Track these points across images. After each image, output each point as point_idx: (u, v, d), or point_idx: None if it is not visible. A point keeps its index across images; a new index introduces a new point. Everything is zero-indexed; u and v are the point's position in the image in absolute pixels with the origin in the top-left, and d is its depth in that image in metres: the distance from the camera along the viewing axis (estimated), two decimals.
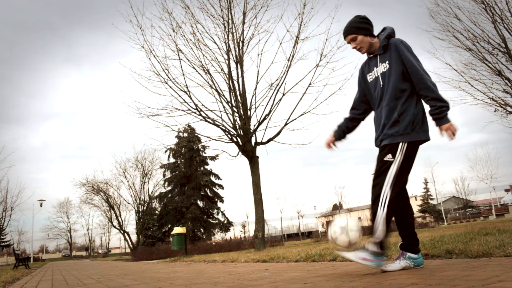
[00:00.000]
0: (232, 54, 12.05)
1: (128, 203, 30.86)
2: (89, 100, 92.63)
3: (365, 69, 2.71)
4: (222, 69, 12.08)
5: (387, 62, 2.50)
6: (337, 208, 54.70)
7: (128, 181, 30.55)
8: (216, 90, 11.85)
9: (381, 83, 2.52)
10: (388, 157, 2.40)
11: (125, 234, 31.48)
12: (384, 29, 2.66)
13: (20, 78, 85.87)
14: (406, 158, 2.39)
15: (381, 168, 2.42)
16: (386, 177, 2.39)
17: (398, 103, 2.43)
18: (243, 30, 11.96)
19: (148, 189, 31.27)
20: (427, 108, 2.45)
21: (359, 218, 53.43)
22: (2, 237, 39.85)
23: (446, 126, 2.32)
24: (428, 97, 2.38)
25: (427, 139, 2.46)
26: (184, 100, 11.49)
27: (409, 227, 2.61)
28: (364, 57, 2.74)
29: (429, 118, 2.44)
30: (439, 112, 2.33)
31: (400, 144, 2.39)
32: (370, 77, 2.64)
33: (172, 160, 32.98)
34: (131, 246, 30.83)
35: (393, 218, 2.53)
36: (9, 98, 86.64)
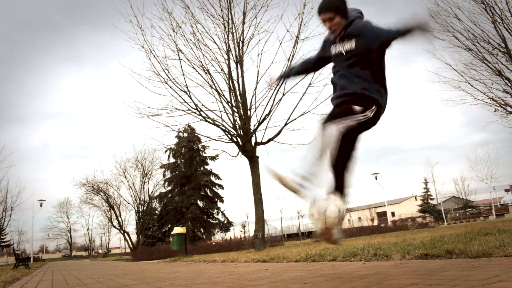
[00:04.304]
0: (232, 54, 12.06)
1: (128, 203, 30.89)
2: (89, 100, 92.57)
3: (330, 38, 2.68)
4: (222, 69, 12.09)
5: (353, 41, 2.50)
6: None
7: (128, 181, 30.58)
8: (216, 90, 11.87)
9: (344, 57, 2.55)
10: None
11: (125, 234, 31.48)
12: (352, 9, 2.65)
13: (21, 77, 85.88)
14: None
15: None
16: None
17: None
18: (243, 30, 11.98)
19: (148, 189, 31.31)
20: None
21: (359, 218, 53.53)
22: (2, 237, 39.83)
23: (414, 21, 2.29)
24: (395, 31, 2.38)
25: None
26: (184, 100, 11.52)
27: None
28: None
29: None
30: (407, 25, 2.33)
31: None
32: (333, 50, 2.63)
33: (172, 160, 32.99)
34: (131, 246, 30.83)
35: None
36: (9, 98, 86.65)
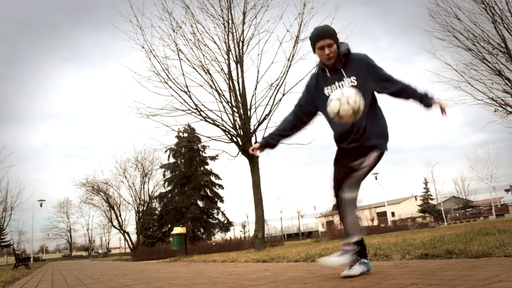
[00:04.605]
0: (232, 54, 12.06)
1: (128, 203, 30.89)
2: (89, 100, 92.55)
3: (320, 80, 2.57)
4: (222, 69, 12.09)
5: (352, 77, 2.45)
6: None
7: (128, 181, 30.58)
8: (216, 90, 11.87)
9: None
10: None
11: (125, 234, 31.48)
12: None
13: (21, 77, 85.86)
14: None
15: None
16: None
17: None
18: (243, 30, 11.97)
19: (148, 189, 31.31)
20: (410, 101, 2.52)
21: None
22: (2, 237, 39.81)
23: (439, 101, 2.40)
24: (413, 91, 2.44)
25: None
26: (184, 100, 11.51)
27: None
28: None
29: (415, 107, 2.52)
30: (429, 95, 2.42)
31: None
32: (328, 91, 2.51)
33: (172, 160, 32.98)
34: (131, 246, 30.83)
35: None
36: (9, 98, 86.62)
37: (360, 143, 2.46)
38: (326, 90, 2.52)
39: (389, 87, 2.47)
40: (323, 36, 2.43)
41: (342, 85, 2.46)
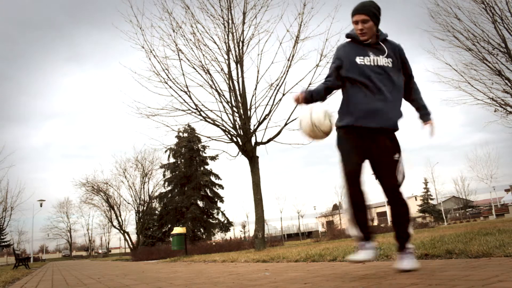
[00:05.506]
0: (232, 54, 12.06)
1: (128, 203, 30.89)
2: (90, 99, 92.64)
3: (352, 51, 2.55)
4: (222, 69, 12.09)
5: (389, 59, 2.52)
6: (337, 208, 54.65)
7: (128, 181, 30.57)
8: (216, 90, 11.87)
9: (382, 73, 2.48)
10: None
11: (125, 234, 31.48)
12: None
13: (21, 76, 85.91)
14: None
15: None
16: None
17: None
18: (243, 30, 11.97)
19: (148, 189, 31.30)
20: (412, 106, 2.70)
21: None
22: (2, 237, 39.83)
23: (432, 121, 2.58)
24: (420, 99, 2.66)
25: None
26: (184, 100, 11.52)
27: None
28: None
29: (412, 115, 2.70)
30: (429, 111, 2.63)
31: None
32: (361, 60, 2.49)
33: (172, 160, 32.98)
34: (131, 246, 30.83)
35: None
36: (10, 97, 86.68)
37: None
38: (359, 59, 2.50)
39: (407, 82, 2.62)
40: (359, 11, 2.46)
41: (376, 60, 2.49)
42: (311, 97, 2.66)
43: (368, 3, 2.48)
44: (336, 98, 2.80)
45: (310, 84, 11.36)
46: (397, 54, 2.54)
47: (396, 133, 2.54)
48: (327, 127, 2.49)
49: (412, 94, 2.64)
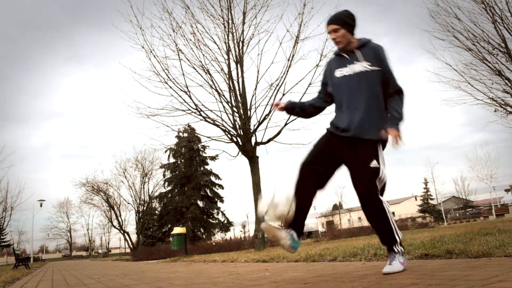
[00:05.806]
0: (232, 54, 12.06)
1: (128, 203, 30.91)
2: (90, 99, 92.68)
3: (334, 64, 2.65)
4: (222, 69, 12.09)
5: (367, 63, 2.49)
6: (337, 208, 54.69)
7: (128, 181, 30.59)
8: (216, 90, 11.87)
9: (358, 81, 2.50)
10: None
11: (125, 234, 31.49)
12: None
13: (22, 76, 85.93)
14: None
15: None
16: None
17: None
18: (243, 30, 11.98)
19: (148, 189, 31.32)
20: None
21: (359, 218, 53.49)
22: (2, 237, 39.83)
23: (396, 132, 2.41)
24: (393, 107, 2.50)
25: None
26: (184, 100, 11.53)
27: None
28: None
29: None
30: (400, 118, 2.47)
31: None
32: (340, 73, 2.57)
33: (172, 160, 32.99)
34: (131, 246, 30.83)
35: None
36: (10, 97, 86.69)
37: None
38: (338, 72, 2.59)
39: (385, 86, 2.51)
40: (329, 22, 2.58)
41: (353, 68, 2.52)
42: (292, 109, 2.81)
43: (340, 13, 2.58)
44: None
45: (310, 84, 11.38)
46: (376, 55, 2.51)
47: (374, 141, 2.45)
48: (281, 212, 2.44)
49: (388, 100, 2.52)
